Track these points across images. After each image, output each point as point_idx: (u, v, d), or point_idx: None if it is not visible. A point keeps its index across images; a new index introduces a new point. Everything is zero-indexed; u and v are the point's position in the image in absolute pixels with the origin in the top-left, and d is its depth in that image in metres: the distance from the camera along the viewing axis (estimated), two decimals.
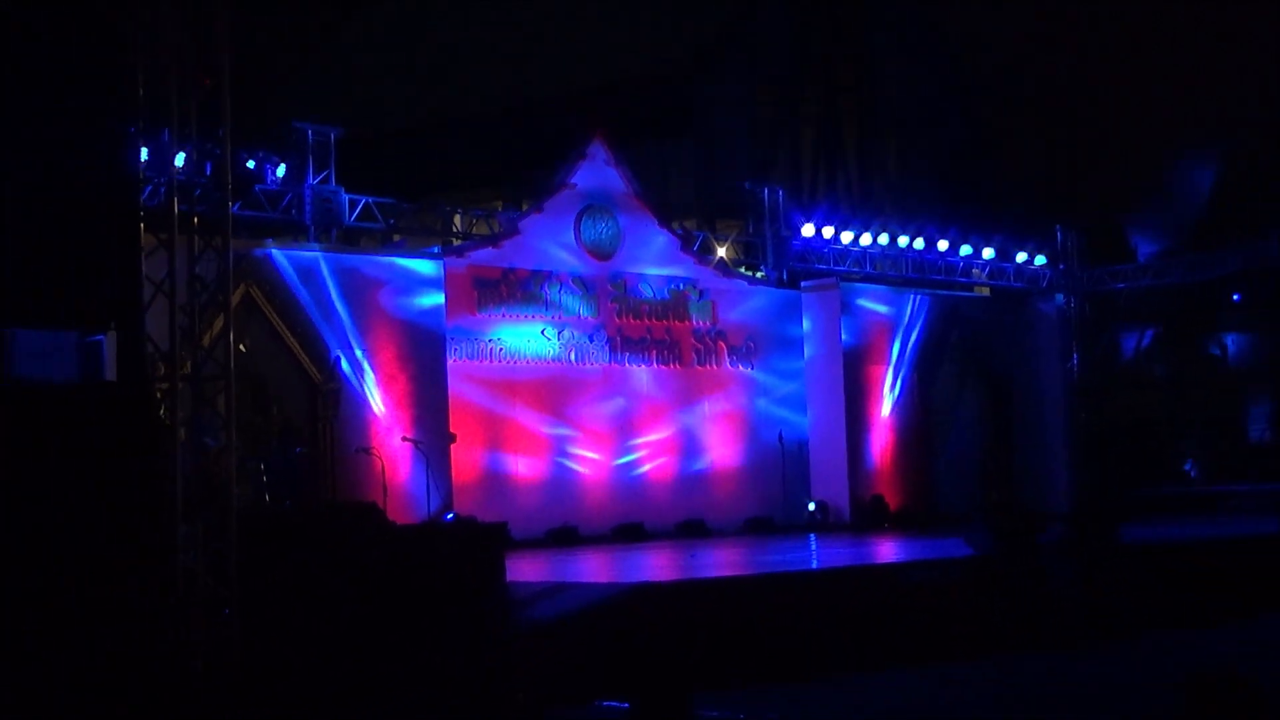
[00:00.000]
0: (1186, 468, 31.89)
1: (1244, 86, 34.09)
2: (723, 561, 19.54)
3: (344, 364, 20.27)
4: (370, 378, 20.53)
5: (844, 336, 25.86)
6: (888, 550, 20.94)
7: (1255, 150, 32.03)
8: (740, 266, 25.77)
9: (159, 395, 11.93)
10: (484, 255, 22.52)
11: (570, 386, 23.33)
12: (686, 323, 24.80)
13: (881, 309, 26.71)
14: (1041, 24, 35.70)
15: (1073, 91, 35.06)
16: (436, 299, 21.41)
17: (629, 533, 23.24)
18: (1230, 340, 32.53)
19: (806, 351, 26.14)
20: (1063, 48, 35.45)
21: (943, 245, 27.85)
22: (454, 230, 22.64)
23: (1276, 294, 29.94)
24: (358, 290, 20.59)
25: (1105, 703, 12.70)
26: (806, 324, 26.17)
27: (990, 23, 35.83)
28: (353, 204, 21.00)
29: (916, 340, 27.03)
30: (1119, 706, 12.32)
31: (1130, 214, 32.16)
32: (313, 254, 20.30)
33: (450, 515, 19.70)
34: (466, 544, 14.60)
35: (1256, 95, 33.66)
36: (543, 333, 23.04)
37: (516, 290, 22.78)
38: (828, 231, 26.39)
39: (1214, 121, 33.66)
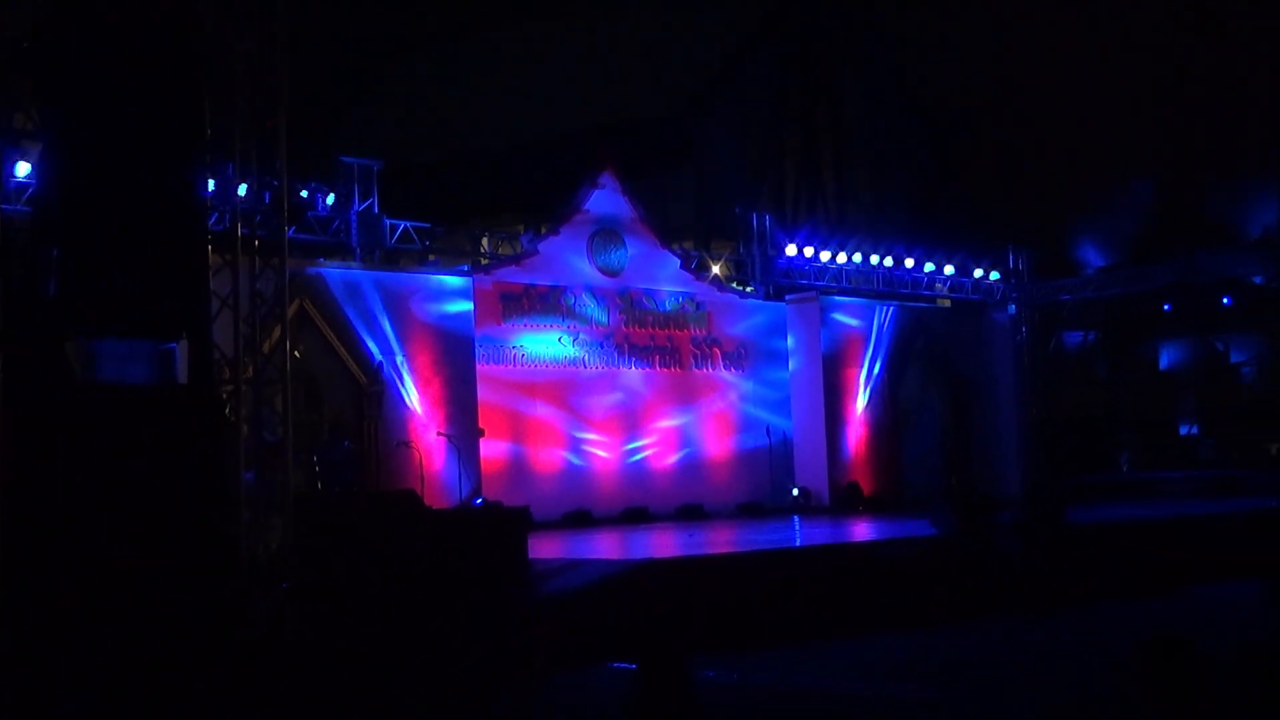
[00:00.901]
0: (1122, 460, 31.87)
1: (1171, 126, 34.16)
2: (718, 541, 19.52)
3: (386, 368, 20.32)
4: (409, 380, 20.54)
5: (823, 343, 25.85)
6: (862, 530, 20.93)
7: (1181, 180, 32.03)
8: (732, 282, 25.79)
9: (224, 396, 11.99)
10: (508, 273, 22.55)
11: (583, 387, 23.35)
12: (685, 331, 24.82)
13: (855, 319, 26.68)
14: (994, 71, 35.77)
15: (1022, 129, 35.13)
16: (466, 310, 21.42)
17: (635, 515, 23.23)
18: (1161, 345, 32.53)
19: (790, 356, 26.12)
20: (1013, 92, 35.50)
21: (909, 263, 27.88)
22: (482, 251, 22.66)
23: (1201, 305, 29.98)
24: (398, 303, 20.61)
25: (1054, 663, 12.72)
26: (790, 333, 26.16)
27: (948, 71, 35.92)
28: (393, 228, 21.00)
29: (886, 346, 27.01)
30: (1066, 667, 12.34)
31: (1073, 234, 32.17)
32: (358, 272, 20.33)
33: (479, 500, 19.72)
34: (493, 526, 14.67)
35: (1182, 134, 33.73)
36: (559, 340, 23.07)
37: (536, 303, 22.82)
38: (808, 251, 26.41)
39: (1146, 155, 33.74)
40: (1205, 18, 35.24)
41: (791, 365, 26.09)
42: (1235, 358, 32.12)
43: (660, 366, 24.38)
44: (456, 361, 21.12)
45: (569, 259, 23.23)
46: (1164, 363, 32.97)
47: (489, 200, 27.28)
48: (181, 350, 11.53)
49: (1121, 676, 5.66)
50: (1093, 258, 31.74)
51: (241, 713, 10.19)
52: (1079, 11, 35.56)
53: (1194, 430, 32.31)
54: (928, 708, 10.89)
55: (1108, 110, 34.25)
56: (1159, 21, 35.95)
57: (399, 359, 20.44)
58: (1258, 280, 28.58)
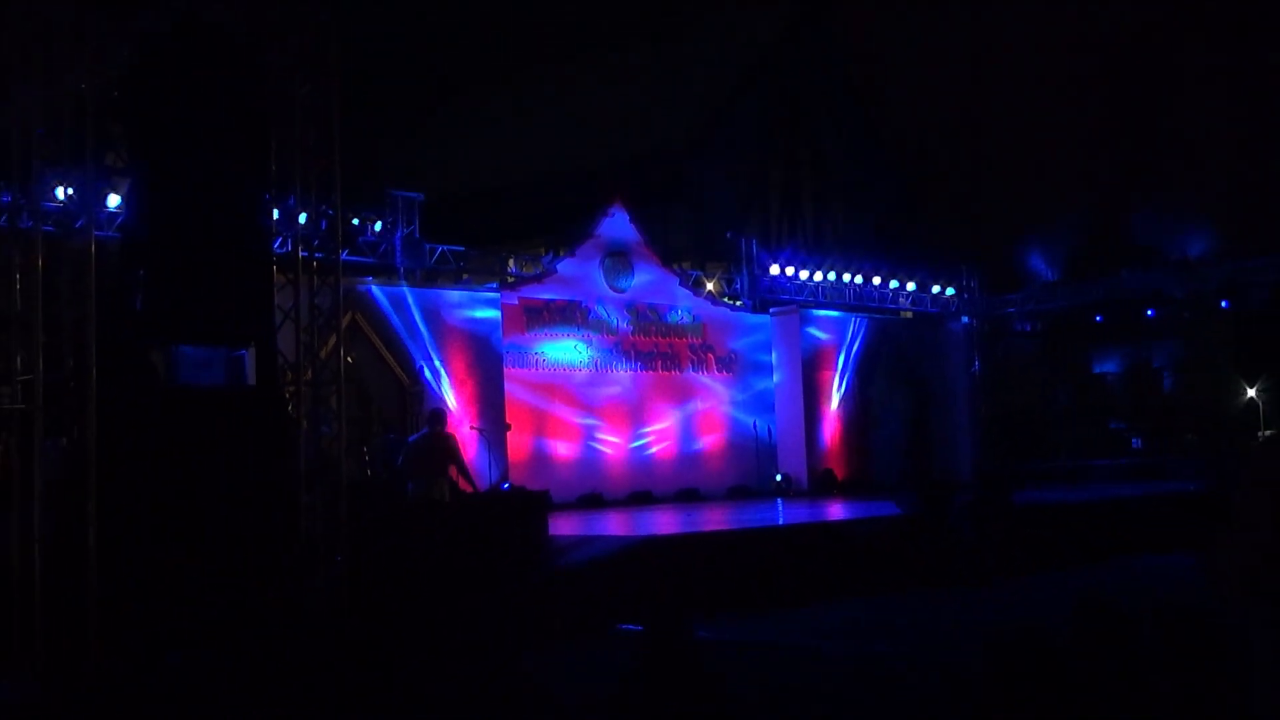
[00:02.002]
0: (1061, 449, 31.81)
1: (1102, 165, 34.25)
2: (712, 520, 19.52)
3: (426, 372, 20.34)
4: (445, 382, 20.55)
5: (802, 350, 25.83)
6: (836, 511, 20.92)
7: (1111, 210, 32.04)
8: (724, 297, 25.78)
9: (287, 396, 11.97)
10: (531, 289, 22.56)
11: (596, 388, 23.35)
12: (684, 340, 24.81)
13: (830, 329, 26.61)
14: (949, 120, 35.87)
15: (973, 167, 35.24)
16: (495, 322, 21.43)
17: (640, 498, 23.27)
18: (1094, 351, 32.50)
19: (774, 361, 26.12)
20: (966, 136, 35.61)
21: (876, 280, 27.90)
22: (508, 270, 22.67)
23: (1128, 317, 29.97)
24: (436, 316, 20.63)
25: (1001, 622, 12.70)
26: (774, 341, 26.14)
27: (910, 119, 36.03)
28: (432, 250, 21.04)
29: (856, 352, 26.97)
30: (1009, 623, 12.31)
31: (1017, 256, 32.16)
32: (402, 289, 20.35)
33: (506, 485, 19.71)
34: (519, 507, 14.67)
35: (1111, 172, 33.80)
36: (575, 347, 23.08)
37: (555, 315, 22.84)
38: (790, 270, 26.44)
39: (1081, 188, 33.82)
40: (1133, 73, 35.31)
41: (775, 369, 26.08)
42: (1157, 362, 32.10)
43: (662, 370, 24.38)
44: (486, 366, 21.13)
45: (583, 277, 23.24)
46: (1096, 366, 32.93)
47: (515, 227, 27.30)
48: (250, 357, 11.53)
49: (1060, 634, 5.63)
50: (1034, 276, 31.68)
51: (307, 655, 10.21)
52: (1020, 70, 35.65)
53: (1122, 424, 32.28)
54: (894, 661, 10.88)
55: (1046, 152, 34.36)
56: (1090, 76, 36.05)
57: (437, 363, 20.46)
58: (1177, 295, 28.56)
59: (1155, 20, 35.21)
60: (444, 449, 14.37)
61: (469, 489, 14.64)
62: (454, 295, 21.19)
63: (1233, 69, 35.65)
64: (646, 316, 24.23)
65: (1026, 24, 36.23)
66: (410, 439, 15.35)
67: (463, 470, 14.53)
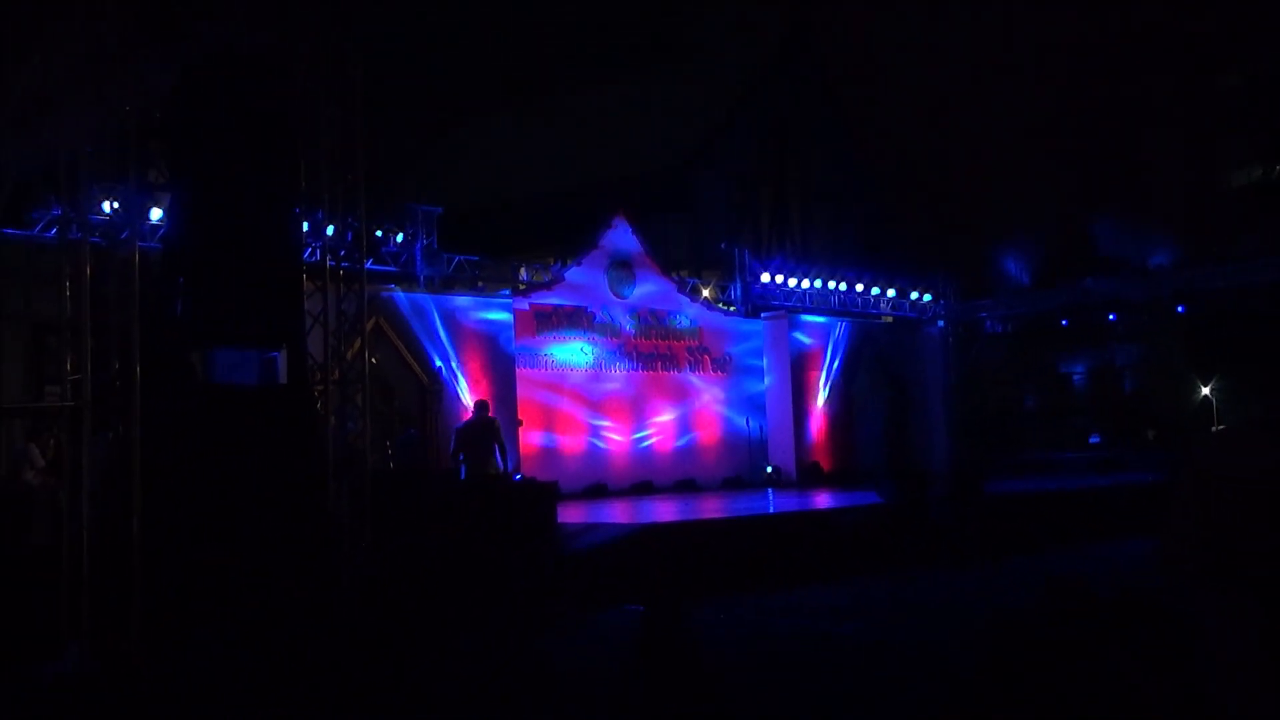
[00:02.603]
0: (1029, 444, 31.79)
1: (1067, 180, 34.28)
2: (707, 508, 19.53)
3: (444, 372, 20.35)
4: (461, 381, 20.56)
5: (790, 352, 25.87)
6: (823, 499, 20.92)
7: (1076, 221, 32.03)
8: (719, 303, 25.78)
9: (316, 394, 12.00)
10: (540, 295, 22.57)
11: (600, 387, 23.35)
12: (681, 342, 24.82)
13: (816, 333, 26.68)
14: (925, 139, 35.89)
15: (947, 183, 35.24)
16: (508, 325, 21.46)
17: (642, 488, 23.24)
18: (1060, 353, 32.46)
19: (765, 362, 26.13)
20: (940, 155, 35.62)
21: (859, 287, 27.90)
22: (520, 278, 22.67)
23: (1092, 321, 29.97)
24: (453, 320, 20.65)
25: (975, 602, 12.72)
26: (764, 344, 26.16)
27: (889, 139, 36.05)
28: (449, 260, 21.06)
29: (840, 354, 27.01)
30: (985, 605, 12.32)
31: (989, 264, 32.14)
32: (422, 295, 20.38)
33: (518, 476, 19.72)
34: (530, 496, 14.67)
35: (1076, 186, 33.82)
36: (581, 349, 23.08)
37: (563, 319, 22.85)
38: (779, 278, 26.43)
39: (1048, 201, 33.82)
40: (1095, 98, 35.35)
41: (766, 370, 26.09)
42: (1119, 363, 32.06)
43: (661, 370, 24.39)
44: (499, 366, 21.14)
45: (589, 284, 23.26)
46: (1062, 367, 32.88)
47: (526, 237, 27.29)
48: (282, 358, 11.53)
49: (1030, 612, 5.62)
50: (1005, 283, 31.67)
51: (335, 632, 10.23)
52: (992, 94, 35.68)
53: (1086, 420, 32.25)
54: (873, 637, 10.89)
55: (1016, 169, 34.38)
56: (1055, 99, 36.09)
57: (454, 364, 20.47)
58: (1137, 301, 28.56)
59: (1114, 48, 35.25)
60: (491, 431, 16.00)
61: (503, 466, 16.04)
62: (469, 301, 21.20)
63: (1185, 93, 35.69)
64: (647, 321, 24.24)
65: (996, 52, 36.28)
66: (458, 426, 17.13)
67: (503, 449, 16.03)
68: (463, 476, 15.81)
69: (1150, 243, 29.58)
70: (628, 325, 23.87)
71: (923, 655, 9.90)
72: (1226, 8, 34.12)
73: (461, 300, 21.08)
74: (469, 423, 16.69)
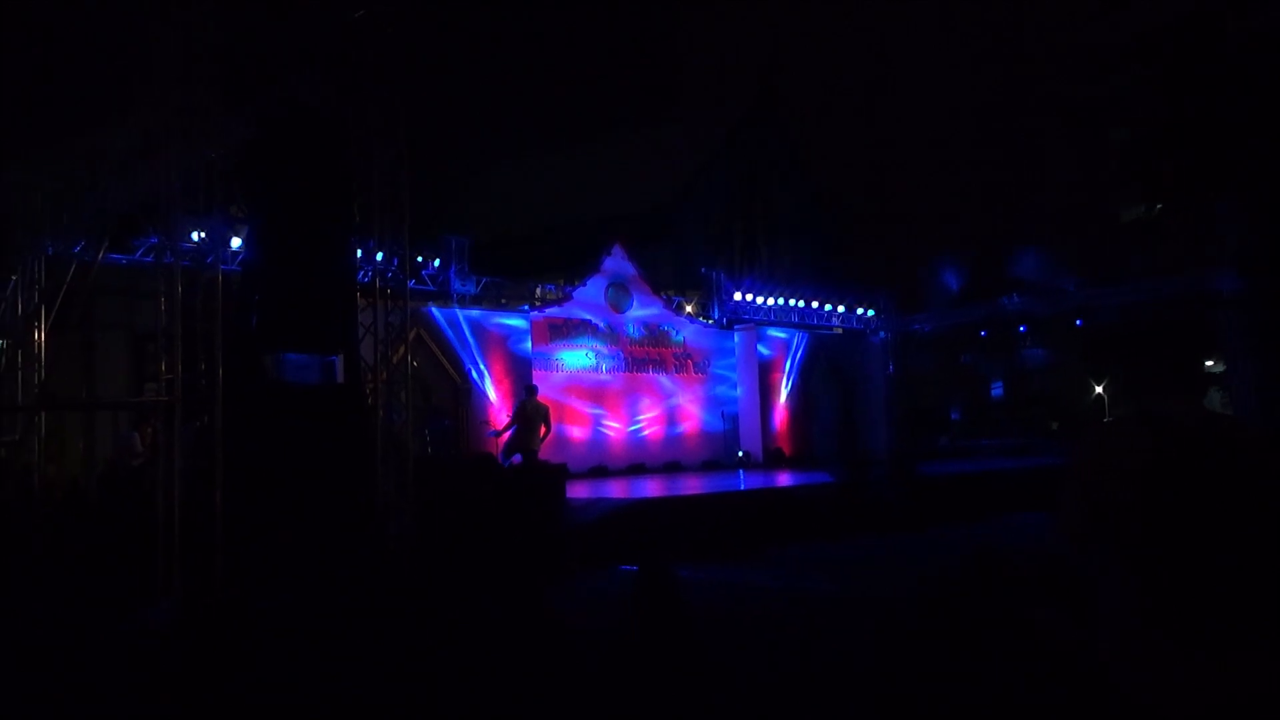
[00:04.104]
0: (953, 433, 31.87)
1: (984, 214, 34.36)
2: (690, 486, 19.52)
3: (473, 373, 20.32)
4: (488, 380, 20.55)
5: (758, 357, 25.87)
6: (784, 478, 20.90)
7: (992, 249, 32.10)
8: (699, 316, 25.78)
9: (367, 391, 11.99)
10: (552, 310, 22.54)
11: (602, 386, 23.32)
12: (668, 349, 24.81)
13: (779, 342, 26.73)
14: (871, 179, 35.96)
15: (888, 217, 35.31)
16: (525, 334, 21.46)
17: (636, 469, 23.23)
18: (979, 357, 32.54)
19: (737, 366, 26.14)
20: (882, 193, 35.70)
21: (815, 304, 27.87)
22: (535, 296, 22.67)
23: (1005, 331, 30.04)
24: (480, 331, 20.64)
25: (910, 562, 12.72)
26: (737, 349, 26.17)
27: (839, 181, 36.12)
28: (478, 281, 21.01)
29: (799, 359, 27.03)
30: (919, 565, 12.33)
31: (921, 285, 32.18)
32: (454, 310, 20.36)
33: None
34: (543, 476, 14.66)
35: (993, 219, 33.91)
36: (586, 355, 23.05)
37: (571, 330, 22.82)
38: (749, 297, 26.40)
39: (969, 233, 33.90)
40: (1007, 146, 35.45)
41: (738, 371, 26.09)
42: (1028, 367, 32.16)
43: (652, 372, 24.36)
44: (518, 368, 21.13)
45: (592, 302, 23.23)
46: (981, 370, 32.99)
47: (540, 262, 27.29)
48: (339, 361, 11.52)
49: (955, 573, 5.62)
50: (935, 301, 31.73)
51: (382, 589, 10.20)
52: (924, 144, 35.77)
53: (998, 414, 32.35)
54: (826, 589, 10.88)
55: (943, 206, 34.48)
56: (975, 149, 36.19)
57: (481, 366, 20.47)
58: (1042, 316, 28.63)
59: (1028, 113, 35.38)
60: (540, 411, 16.52)
61: (546, 438, 16.61)
62: (494, 315, 21.19)
63: (1084, 146, 35.82)
64: (640, 331, 24.22)
65: (931, 115, 36.41)
66: (514, 407, 17.65)
67: (549, 427, 16.57)
68: (506, 448, 16.38)
69: (1055, 268, 29.65)
70: (624, 335, 23.84)
71: (870, 604, 9.89)
72: (1115, 79, 34.26)
73: (487, 314, 21.07)
74: (520, 403, 17.01)
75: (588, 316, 23.14)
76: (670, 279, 27.83)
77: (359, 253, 12.40)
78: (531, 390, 17.11)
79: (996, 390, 32.51)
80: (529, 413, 16.53)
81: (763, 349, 26.09)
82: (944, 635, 4.58)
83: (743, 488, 18.82)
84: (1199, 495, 2.88)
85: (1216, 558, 2.86)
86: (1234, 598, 2.83)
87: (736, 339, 26.26)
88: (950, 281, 31.61)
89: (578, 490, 16.32)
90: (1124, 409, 3.22)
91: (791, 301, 27.41)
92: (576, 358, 22.88)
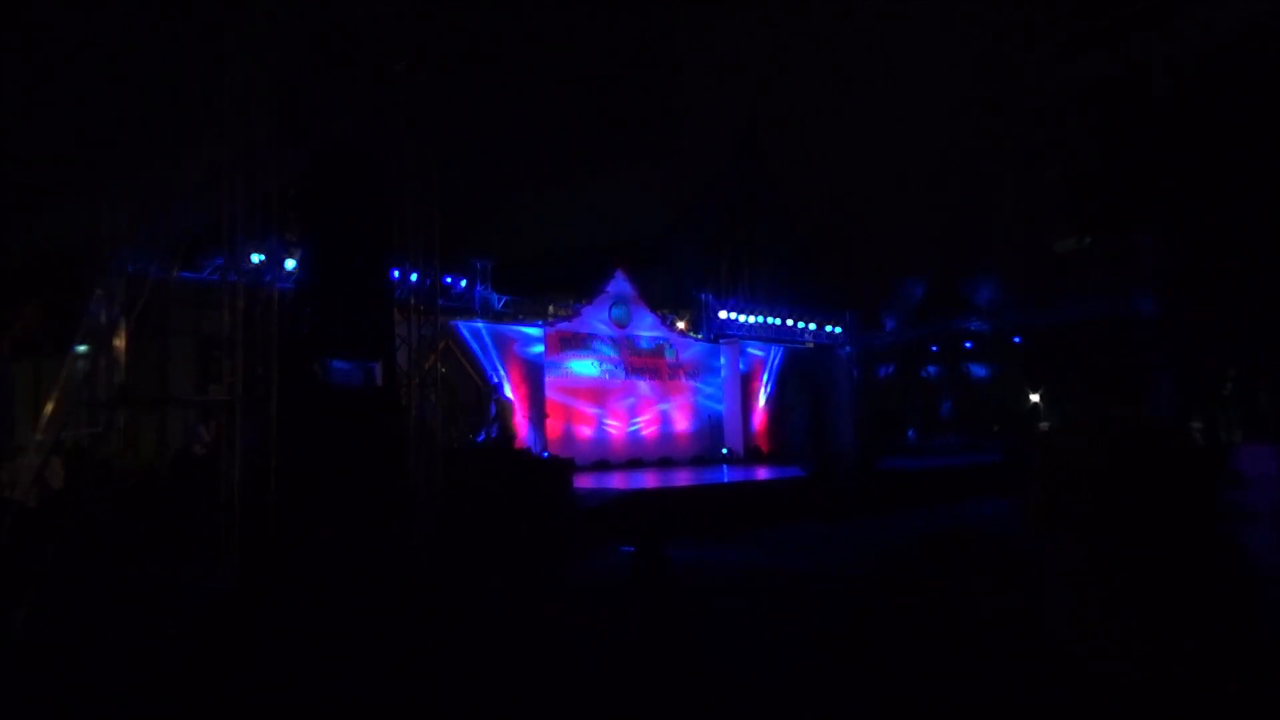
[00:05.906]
0: (909, 434, 31.86)
1: (936, 244, 34.44)
2: (680, 478, 19.54)
3: (494, 378, 20.34)
4: (507, 385, 20.57)
5: (741, 367, 25.92)
6: (763, 472, 20.92)
7: (943, 274, 32.18)
8: (690, 332, 25.83)
9: (402, 393, 12.01)
10: (563, 325, 22.58)
11: (606, 391, 23.34)
12: (662, 359, 24.85)
13: (758, 355, 26.79)
14: (841, 211, 36.02)
15: (854, 245, 35.34)
16: (539, 347, 21.50)
17: (634, 464, 23.20)
18: (932, 369, 32.56)
19: (722, 374, 26.17)
20: (849, 224, 35.75)
21: (790, 321, 27.97)
22: (549, 312, 22.71)
23: (954, 346, 30.12)
24: (502, 343, 20.69)
25: (872, 543, 12.74)
26: (723, 360, 26.21)
27: (814, 214, 36.19)
28: (499, 298, 21.08)
29: (776, 369, 27.11)
30: (879, 545, 12.35)
31: (883, 306, 32.23)
32: (478, 324, 20.42)
33: (546, 454, 19.75)
34: (554, 468, 14.65)
35: (942, 248, 33.98)
36: (592, 364, 23.09)
37: (579, 343, 22.86)
38: (734, 315, 26.48)
39: (924, 260, 33.96)
40: (955, 180, 35.54)
41: (723, 379, 26.13)
42: (975, 376, 32.16)
43: (649, 379, 24.39)
44: (533, 374, 21.17)
45: (597, 318, 23.28)
46: (933, 379, 32.99)
47: (553, 283, 27.30)
48: (378, 367, 11.55)
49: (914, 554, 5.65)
50: (893, 319, 31.77)
51: (414, 565, 10.21)
52: (886, 181, 35.85)
53: (949, 417, 32.35)
54: (799, 566, 10.90)
55: (901, 236, 34.54)
56: (929, 184, 36.27)
57: (501, 373, 20.51)
58: (986, 333, 28.72)
59: (973, 149, 35.44)
60: (505, 408, 17.00)
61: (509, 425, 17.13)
62: (513, 329, 21.25)
63: (1024, 184, 35.87)
64: (639, 343, 24.26)
65: (891, 154, 36.47)
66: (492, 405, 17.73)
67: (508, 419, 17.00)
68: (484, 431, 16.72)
69: (996, 292, 29.73)
70: (625, 347, 23.88)
71: (837, 578, 9.91)
72: (1053, 128, 34.33)
73: (507, 328, 21.11)
74: (496, 399, 17.70)
75: (594, 330, 23.16)
76: (665, 298, 27.85)
77: (395, 273, 12.44)
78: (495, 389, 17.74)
79: (946, 397, 32.51)
80: (501, 406, 17.28)
81: (745, 359, 26.13)
82: (905, 603, 4.62)
83: (726, 480, 18.85)
84: (1147, 487, 2.93)
85: (1158, 540, 2.91)
86: (1170, 573, 2.88)
87: (723, 352, 26.30)
88: (907, 303, 31.70)
89: (584, 481, 16.36)
90: (1076, 412, 3.27)
91: (770, 319, 27.46)
92: (584, 366, 22.90)
